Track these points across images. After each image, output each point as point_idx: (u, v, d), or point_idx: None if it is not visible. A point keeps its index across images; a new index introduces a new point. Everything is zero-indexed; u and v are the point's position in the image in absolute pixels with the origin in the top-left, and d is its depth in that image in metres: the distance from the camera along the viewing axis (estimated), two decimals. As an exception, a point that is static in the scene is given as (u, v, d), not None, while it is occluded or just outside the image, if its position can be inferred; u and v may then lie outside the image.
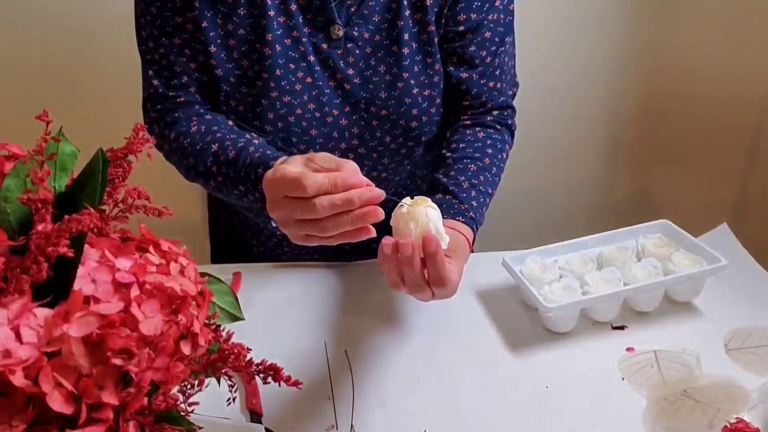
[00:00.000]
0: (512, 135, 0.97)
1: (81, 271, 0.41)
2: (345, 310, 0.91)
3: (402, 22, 0.86)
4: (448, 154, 0.89)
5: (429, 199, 0.67)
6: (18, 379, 0.36)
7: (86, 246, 0.42)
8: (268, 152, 0.76)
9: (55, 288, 0.40)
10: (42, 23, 1.38)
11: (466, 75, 0.91)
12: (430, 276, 0.66)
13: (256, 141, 0.80)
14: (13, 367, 0.36)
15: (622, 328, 0.86)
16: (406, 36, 0.87)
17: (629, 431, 0.72)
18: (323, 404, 0.76)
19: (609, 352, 0.82)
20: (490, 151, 0.90)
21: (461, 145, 0.90)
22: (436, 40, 0.88)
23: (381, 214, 0.63)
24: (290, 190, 0.65)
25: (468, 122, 0.93)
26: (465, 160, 0.87)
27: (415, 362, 0.82)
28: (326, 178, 0.63)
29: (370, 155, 0.92)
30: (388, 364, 0.81)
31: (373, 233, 0.65)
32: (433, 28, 0.87)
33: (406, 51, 0.87)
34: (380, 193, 0.63)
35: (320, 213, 0.63)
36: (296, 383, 0.46)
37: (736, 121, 1.53)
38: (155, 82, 0.86)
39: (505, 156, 0.93)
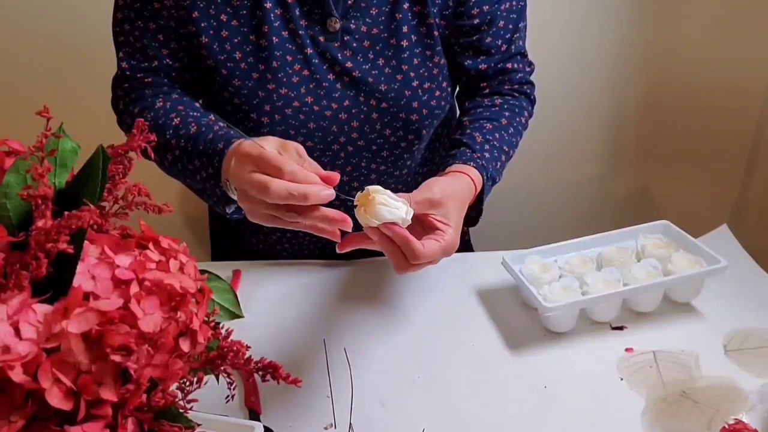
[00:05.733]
0: (532, 104, 0.98)
1: (80, 267, 0.41)
2: (344, 308, 0.91)
3: (400, 15, 0.86)
4: (465, 119, 0.91)
5: (371, 189, 0.67)
6: (17, 375, 0.36)
7: (86, 242, 0.42)
8: (231, 132, 0.76)
9: (54, 284, 0.40)
10: (43, 19, 1.38)
11: (485, 66, 0.92)
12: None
13: (221, 123, 0.80)
14: (12, 363, 0.36)
15: (621, 328, 0.86)
16: (405, 29, 0.87)
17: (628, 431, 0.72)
18: (322, 402, 0.76)
19: (608, 353, 0.82)
20: (507, 113, 0.92)
21: (478, 110, 0.92)
22: (436, 33, 0.88)
23: (350, 225, 0.66)
24: (265, 167, 0.65)
25: (486, 92, 0.95)
26: (481, 121, 0.90)
27: (414, 361, 0.82)
28: (302, 174, 0.64)
29: (370, 148, 0.92)
30: (387, 363, 0.82)
31: (338, 238, 0.68)
32: (432, 20, 0.87)
33: (405, 44, 0.87)
34: (332, 194, 0.65)
35: (272, 197, 0.63)
36: (295, 381, 0.46)
37: (736, 122, 1.53)
38: (125, 64, 0.87)
39: (523, 120, 0.94)
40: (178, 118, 0.81)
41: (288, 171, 0.64)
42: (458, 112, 1.00)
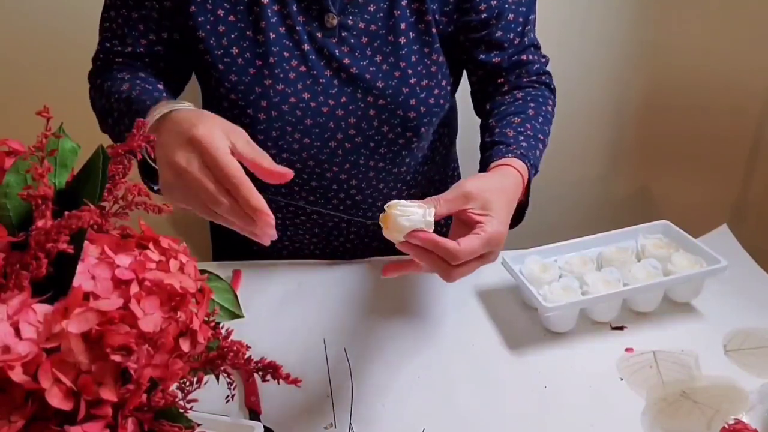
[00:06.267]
0: (553, 93, 0.97)
1: (80, 267, 0.41)
2: (344, 308, 0.91)
3: (399, 12, 0.86)
4: (491, 120, 0.89)
5: (388, 206, 0.65)
6: (17, 375, 0.36)
7: (86, 242, 0.42)
8: (165, 96, 0.74)
9: (54, 284, 0.40)
10: (43, 19, 1.37)
11: (499, 59, 0.91)
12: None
13: (174, 102, 0.75)
14: (12, 363, 0.36)
15: (621, 328, 0.86)
16: (403, 26, 0.86)
17: None
18: (322, 402, 0.76)
19: (608, 353, 0.82)
20: (532, 104, 0.90)
21: (502, 108, 0.90)
22: (434, 30, 0.88)
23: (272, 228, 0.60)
24: (208, 159, 0.59)
25: (505, 89, 0.93)
26: (508, 117, 0.87)
27: (415, 361, 0.82)
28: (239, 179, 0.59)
29: (368, 145, 0.91)
30: (388, 363, 0.81)
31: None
32: (431, 17, 0.87)
33: (403, 41, 0.87)
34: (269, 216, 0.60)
35: (221, 208, 0.60)
36: (295, 381, 0.46)
37: (736, 122, 1.53)
38: (100, 47, 0.89)
39: (550, 109, 0.93)
40: (128, 85, 0.81)
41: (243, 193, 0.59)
42: (473, 115, 0.98)
